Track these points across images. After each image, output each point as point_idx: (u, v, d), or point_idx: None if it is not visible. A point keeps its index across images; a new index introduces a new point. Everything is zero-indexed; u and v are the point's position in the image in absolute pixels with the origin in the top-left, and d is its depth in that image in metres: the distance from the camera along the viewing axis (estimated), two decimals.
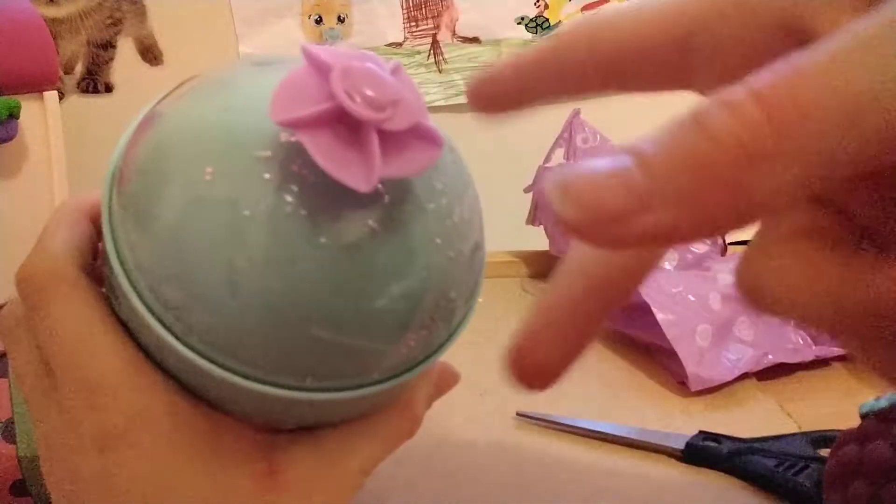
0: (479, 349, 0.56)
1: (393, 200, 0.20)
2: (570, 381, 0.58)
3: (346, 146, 0.18)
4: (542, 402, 0.48)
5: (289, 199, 0.19)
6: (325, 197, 0.19)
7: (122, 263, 0.21)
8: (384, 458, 0.25)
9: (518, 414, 0.46)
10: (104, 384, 0.20)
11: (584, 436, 0.44)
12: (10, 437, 0.35)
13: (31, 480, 0.35)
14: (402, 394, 0.25)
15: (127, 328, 0.22)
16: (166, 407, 0.21)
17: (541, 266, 0.74)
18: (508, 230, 0.74)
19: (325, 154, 0.18)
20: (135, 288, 0.21)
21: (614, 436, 0.43)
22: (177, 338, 0.20)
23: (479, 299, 0.25)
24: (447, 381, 0.28)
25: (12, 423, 0.35)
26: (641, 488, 0.39)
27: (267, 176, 0.19)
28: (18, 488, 0.35)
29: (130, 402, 0.21)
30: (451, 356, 0.59)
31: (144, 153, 0.21)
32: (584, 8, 1.01)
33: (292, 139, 0.19)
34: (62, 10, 0.93)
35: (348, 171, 0.18)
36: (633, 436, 0.43)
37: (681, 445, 0.42)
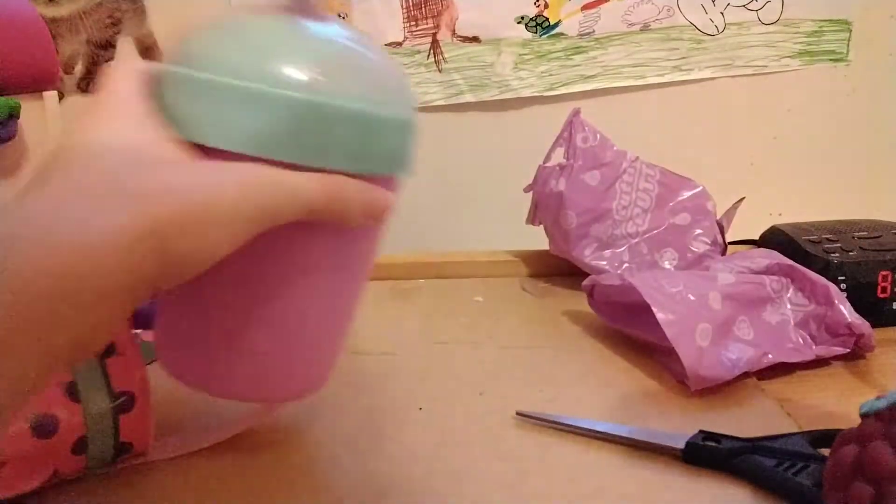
0: (479, 349, 0.57)
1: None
2: (570, 381, 0.58)
3: None
4: (542, 402, 0.48)
5: None
6: None
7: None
8: (286, 198, 0.26)
9: (518, 414, 0.46)
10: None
11: (584, 436, 0.44)
12: (75, 397, 0.36)
13: (93, 436, 0.37)
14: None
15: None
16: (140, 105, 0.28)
17: (541, 266, 0.74)
18: (508, 230, 0.74)
19: None
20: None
21: (614, 436, 0.43)
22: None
23: (479, 298, 0.25)
24: (381, 198, 0.30)
25: (74, 384, 0.36)
26: (641, 488, 0.39)
27: None
28: (79, 446, 0.37)
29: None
30: (452, 355, 0.59)
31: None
32: (584, 8, 1.01)
33: None
34: (62, 10, 0.93)
35: None
36: (633, 436, 0.43)
37: (681, 445, 0.42)
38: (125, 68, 0.29)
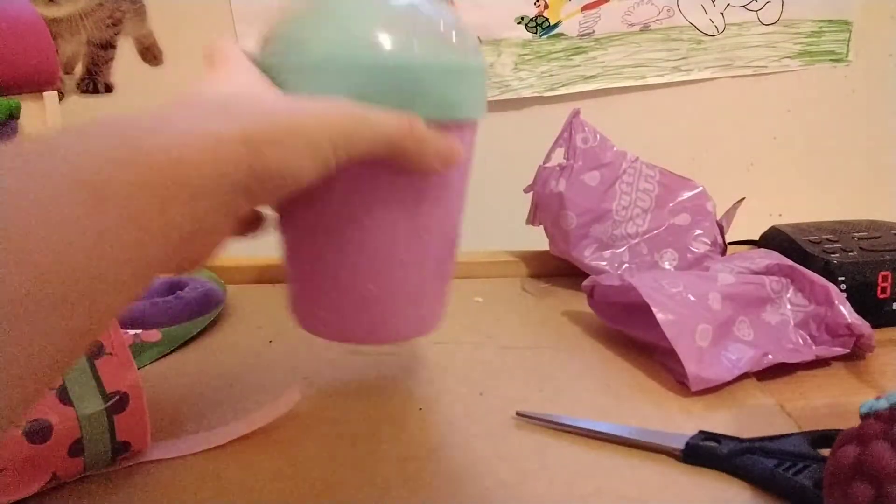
0: (479, 349, 0.57)
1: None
2: (570, 381, 0.58)
3: None
4: (542, 402, 0.48)
5: None
6: None
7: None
8: (367, 127, 0.30)
9: (518, 414, 0.46)
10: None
11: (584, 436, 0.44)
12: (67, 400, 0.36)
13: (88, 438, 0.37)
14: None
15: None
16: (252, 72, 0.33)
17: (541, 266, 0.75)
18: (508, 230, 0.74)
19: None
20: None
21: (614, 436, 0.43)
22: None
23: (479, 298, 0.27)
24: (453, 144, 0.33)
25: (65, 387, 0.37)
26: (641, 488, 0.39)
27: None
28: (75, 449, 0.37)
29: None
30: (452, 355, 0.59)
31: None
32: (584, 8, 1.01)
33: None
34: (62, 10, 0.93)
35: None
36: (633, 436, 0.43)
37: (681, 445, 0.42)
38: (229, 42, 0.34)
